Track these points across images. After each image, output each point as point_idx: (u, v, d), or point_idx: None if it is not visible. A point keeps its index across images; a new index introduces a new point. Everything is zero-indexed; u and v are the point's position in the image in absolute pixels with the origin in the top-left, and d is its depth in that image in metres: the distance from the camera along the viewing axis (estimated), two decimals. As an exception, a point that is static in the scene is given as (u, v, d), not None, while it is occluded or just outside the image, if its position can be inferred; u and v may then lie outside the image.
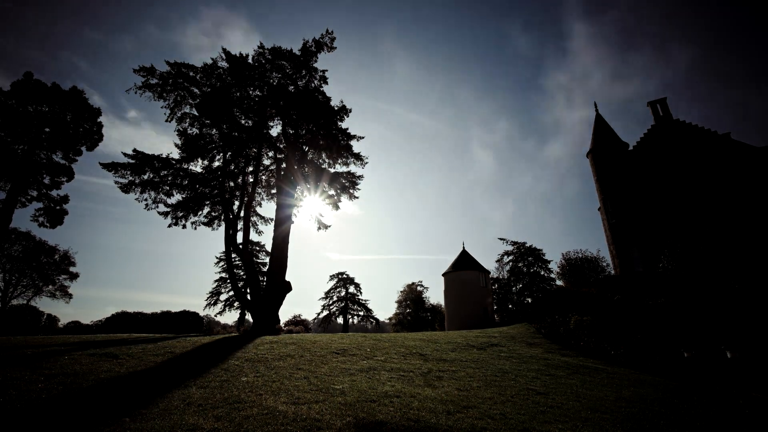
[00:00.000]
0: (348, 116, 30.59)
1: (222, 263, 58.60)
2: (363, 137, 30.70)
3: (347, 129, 30.22)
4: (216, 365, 9.89)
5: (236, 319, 56.87)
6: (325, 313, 71.16)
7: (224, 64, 28.16)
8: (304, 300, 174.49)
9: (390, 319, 70.44)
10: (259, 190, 32.55)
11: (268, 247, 49.28)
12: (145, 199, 27.60)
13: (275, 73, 29.26)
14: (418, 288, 68.24)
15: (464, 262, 47.02)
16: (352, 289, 72.49)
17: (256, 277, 28.23)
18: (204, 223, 30.41)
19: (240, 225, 29.09)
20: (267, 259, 50.42)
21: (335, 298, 72.08)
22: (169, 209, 28.39)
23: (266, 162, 31.50)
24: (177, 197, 28.57)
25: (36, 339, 14.75)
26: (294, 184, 29.17)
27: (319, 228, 32.56)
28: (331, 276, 73.58)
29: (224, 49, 27.65)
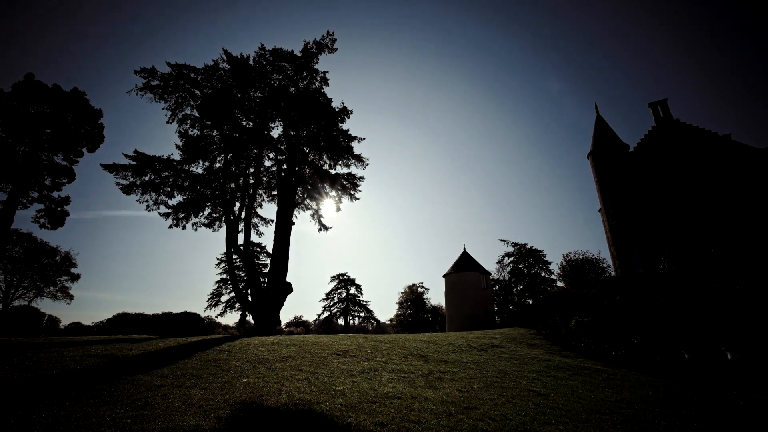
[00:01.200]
0: (349, 117, 30.66)
1: (223, 264, 58.65)
2: (364, 138, 30.76)
3: (348, 130, 30.30)
4: (217, 366, 9.91)
5: (237, 320, 56.89)
6: (326, 314, 71.21)
7: (225, 65, 28.26)
8: (305, 301, 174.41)
9: (391, 320, 70.39)
10: (260, 192, 32.62)
11: (269, 249, 49.33)
12: (146, 201, 27.71)
13: (276, 75, 29.35)
14: (419, 289, 68.19)
15: (465, 264, 47.01)
16: (353, 290, 72.57)
17: (257, 279, 28.28)
18: (205, 225, 30.49)
19: (241, 226, 29.18)
20: (268, 261, 50.46)
21: (336, 300, 72.14)
22: (170, 210, 28.47)
23: (267, 163, 31.60)
24: (178, 198, 28.67)
25: (37, 340, 14.79)
26: (295, 186, 29.22)
27: (320, 229, 32.60)
28: (332, 277, 73.72)
29: (225, 51, 27.77)
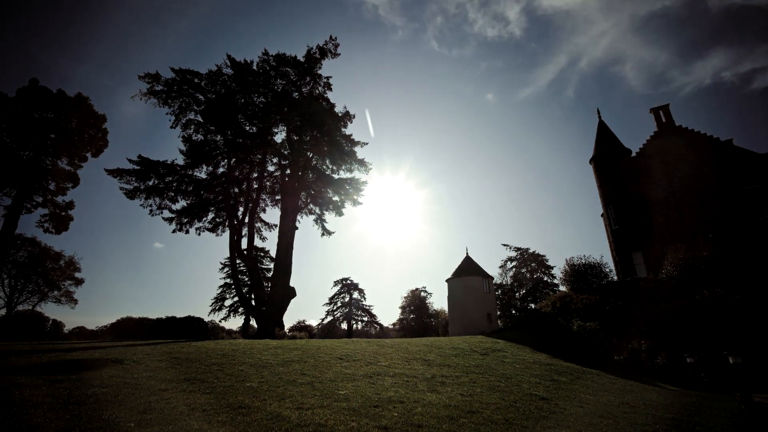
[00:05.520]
0: (351, 122, 30.84)
1: (226, 269, 58.71)
2: (367, 143, 30.92)
3: (351, 135, 30.46)
4: (220, 370, 9.93)
5: (241, 324, 56.93)
6: (329, 318, 71.12)
7: (229, 70, 28.50)
8: (308, 306, 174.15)
9: (394, 324, 70.24)
10: (264, 196, 32.75)
11: (273, 253, 49.39)
12: (150, 205, 27.89)
13: (279, 80, 29.56)
14: (422, 294, 68.04)
15: (467, 268, 46.79)
16: (356, 294, 72.47)
17: (261, 283, 28.34)
18: (208, 229, 30.61)
19: (244, 231, 29.27)
20: (271, 265, 50.52)
21: (339, 304, 72.04)
22: (173, 215, 28.64)
23: (270, 168, 31.75)
24: (182, 203, 28.85)
25: (42, 342, 14.86)
26: (298, 191, 29.31)
27: (323, 234, 32.68)
28: (335, 282, 73.68)
29: (229, 56, 27.99)
